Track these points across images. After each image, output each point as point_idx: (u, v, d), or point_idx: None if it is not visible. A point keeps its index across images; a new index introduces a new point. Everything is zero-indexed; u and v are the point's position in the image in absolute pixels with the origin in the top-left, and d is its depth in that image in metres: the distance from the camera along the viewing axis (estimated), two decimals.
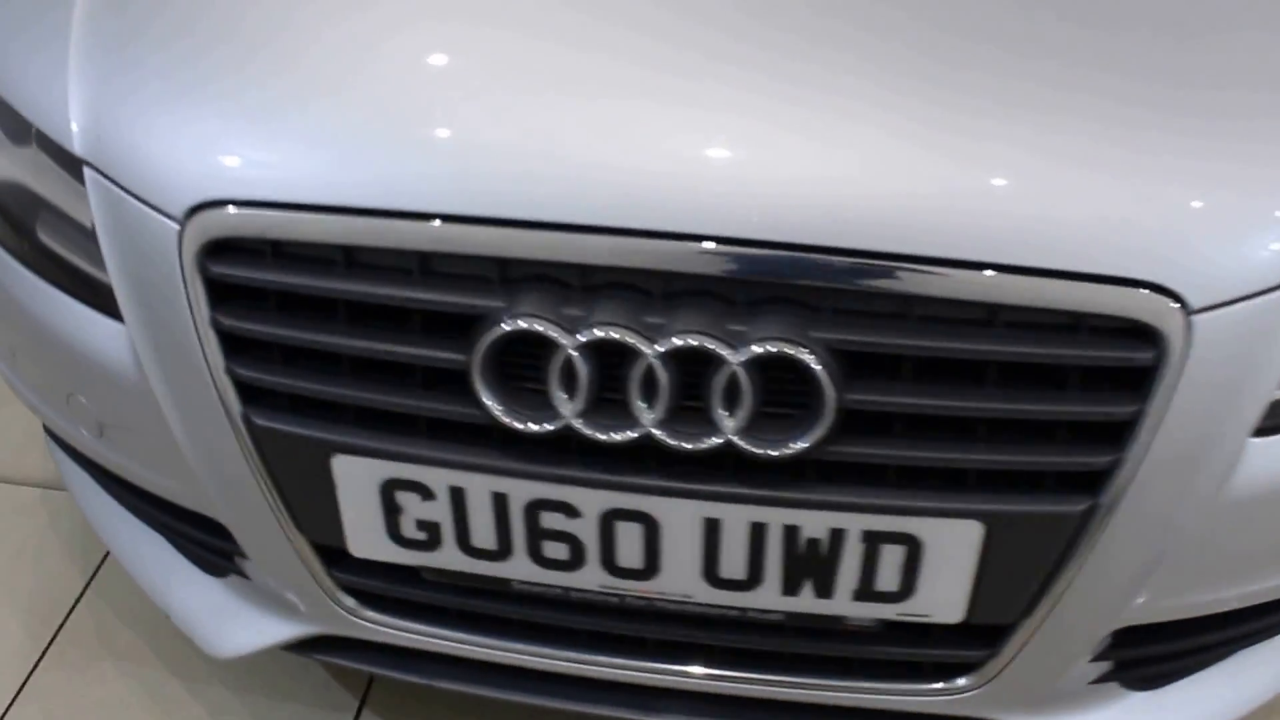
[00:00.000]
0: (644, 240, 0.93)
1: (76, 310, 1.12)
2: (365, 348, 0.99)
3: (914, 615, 1.04)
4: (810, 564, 1.02)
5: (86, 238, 1.11)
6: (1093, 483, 0.97)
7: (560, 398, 0.95)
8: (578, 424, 0.96)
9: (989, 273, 0.91)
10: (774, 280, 0.92)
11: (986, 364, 0.94)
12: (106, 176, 1.04)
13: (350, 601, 1.16)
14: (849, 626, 1.08)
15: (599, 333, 0.93)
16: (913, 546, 1.00)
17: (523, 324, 0.93)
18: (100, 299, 1.10)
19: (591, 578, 1.06)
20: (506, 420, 0.97)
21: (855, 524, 0.99)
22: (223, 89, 1.02)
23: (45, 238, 1.15)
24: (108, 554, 1.65)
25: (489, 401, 0.96)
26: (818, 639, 1.09)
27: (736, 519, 1.00)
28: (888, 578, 1.02)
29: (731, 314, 0.93)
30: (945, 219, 0.91)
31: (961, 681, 1.11)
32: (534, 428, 0.97)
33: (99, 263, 1.09)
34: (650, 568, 1.04)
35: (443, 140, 0.97)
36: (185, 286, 1.01)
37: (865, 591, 1.03)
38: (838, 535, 0.99)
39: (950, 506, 0.97)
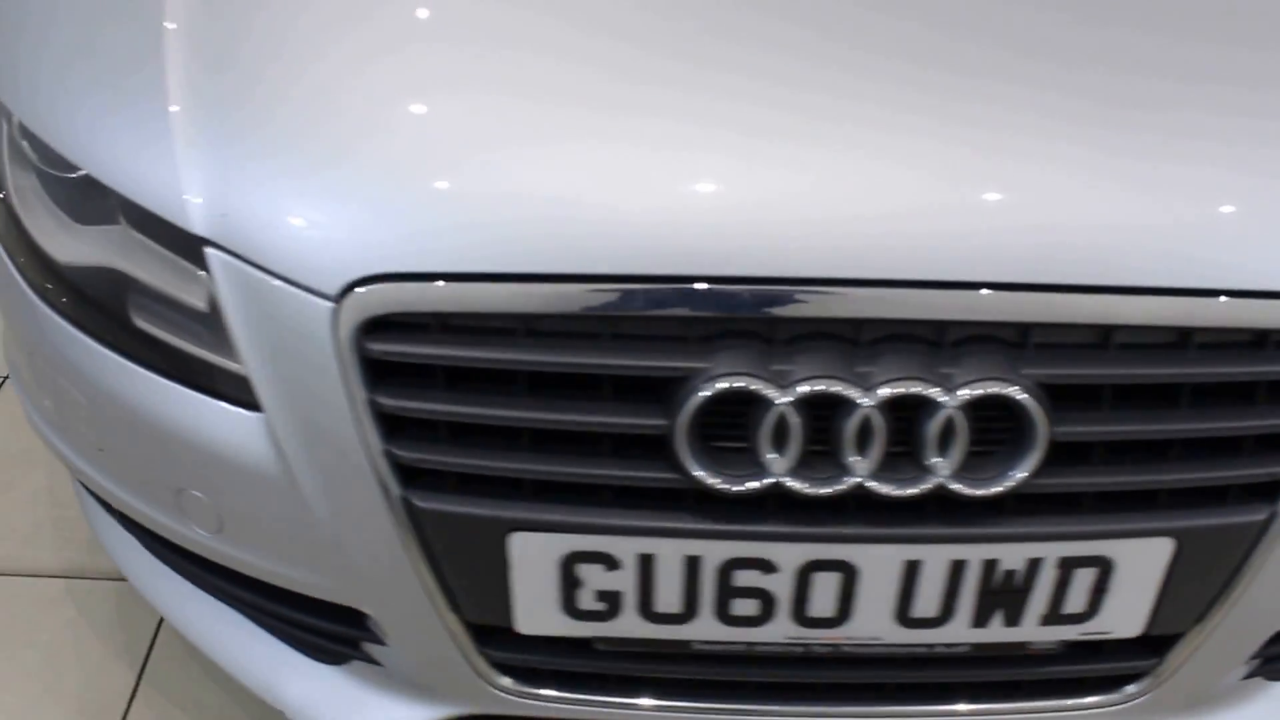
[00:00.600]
0: (850, 289, 0.91)
1: (192, 399, 1.04)
2: (554, 420, 0.94)
3: (1096, 634, 1.05)
4: (1003, 595, 1.01)
5: (198, 321, 1.03)
6: (1273, 491, 0.99)
7: (769, 456, 0.93)
8: (788, 481, 0.93)
9: (1182, 298, 0.92)
10: (983, 320, 0.92)
11: (1179, 386, 0.95)
12: (238, 256, 0.96)
13: (505, 680, 1.11)
14: (1031, 651, 1.08)
15: (812, 386, 0.90)
16: (1104, 568, 1.00)
17: (734, 383, 0.90)
18: (223, 386, 1.03)
19: (779, 630, 1.03)
20: (712, 483, 0.93)
21: (1053, 552, 0.99)
22: (374, 157, 0.95)
23: (143, 322, 1.06)
24: (155, 642, 1.54)
25: (693, 466, 0.93)
26: (998, 666, 1.09)
27: (937, 559, 0.98)
28: (1076, 600, 1.02)
29: (938, 357, 0.92)
30: (1144, 248, 0.92)
31: (1129, 690, 1.12)
32: (741, 488, 0.94)
33: (218, 347, 1.01)
34: (842, 615, 1.02)
35: (633, 201, 0.92)
36: (340, 368, 0.94)
37: (1053, 616, 1.03)
38: (1034, 565, 0.99)
39: (1144, 526, 0.98)
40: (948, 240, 0.91)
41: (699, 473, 0.93)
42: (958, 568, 0.99)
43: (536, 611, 1.03)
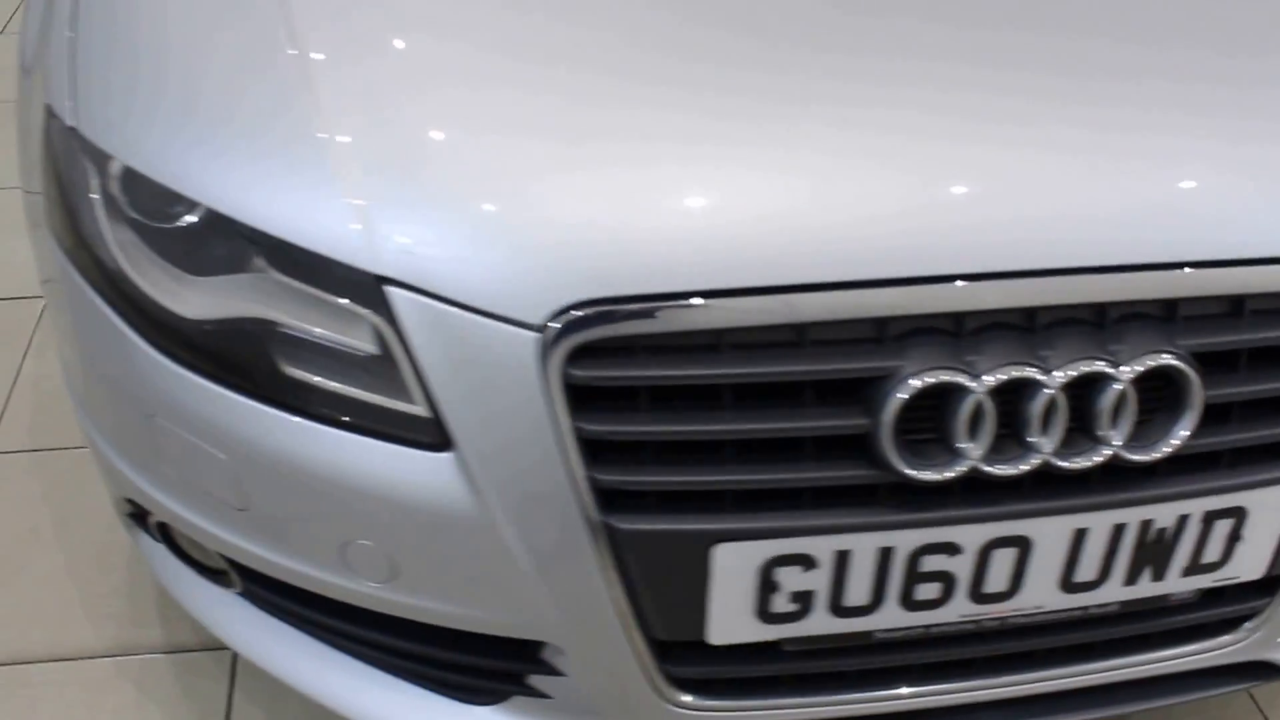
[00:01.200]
0: (1027, 280, 0.97)
1: (364, 445, 1.02)
2: (759, 429, 0.97)
3: (1226, 579, 1.15)
4: (1154, 552, 1.09)
5: (362, 364, 1.01)
6: None
7: (965, 444, 0.98)
8: (983, 466, 0.99)
9: None
10: (1140, 299, 0.99)
11: None
12: (427, 293, 0.96)
13: (686, 697, 1.12)
14: (1171, 602, 1.16)
15: (1003, 374, 0.96)
16: (1239, 518, 1.09)
17: (934, 378, 0.95)
18: (397, 428, 1.01)
19: (955, 610, 1.09)
20: (915, 475, 0.98)
21: (1199, 507, 1.07)
22: (575, 188, 0.96)
23: (297, 371, 1.03)
24: (230, 713, 1.47)
25: (897, 460, 0.97)
26: (1140, 620, 1.17)
27: (1102, 525, 1.06)
28: (1213, 550, 1.11)
29: (1104, 335, 1.00)
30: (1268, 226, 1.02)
31: (1243, 629, 1.22)
32: (942, 477, 0.98)
33: (392, 389, 1.00)
34: (1014, 588, 1.08)
35: (822, 215, 0.97)
36: (545, 397, 0.95)
37: (1193, 567, 1.12)
38: (1183, 521, 1.08)
39: (1274, 476, 1.08)
40: (1108, 229, 0.99)
41: (903, 466, 0.98)
42: (1118, 531, 1.06)
43: (730, 621, 1.05)
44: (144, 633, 1.56)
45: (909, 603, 1.07)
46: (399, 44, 1.09)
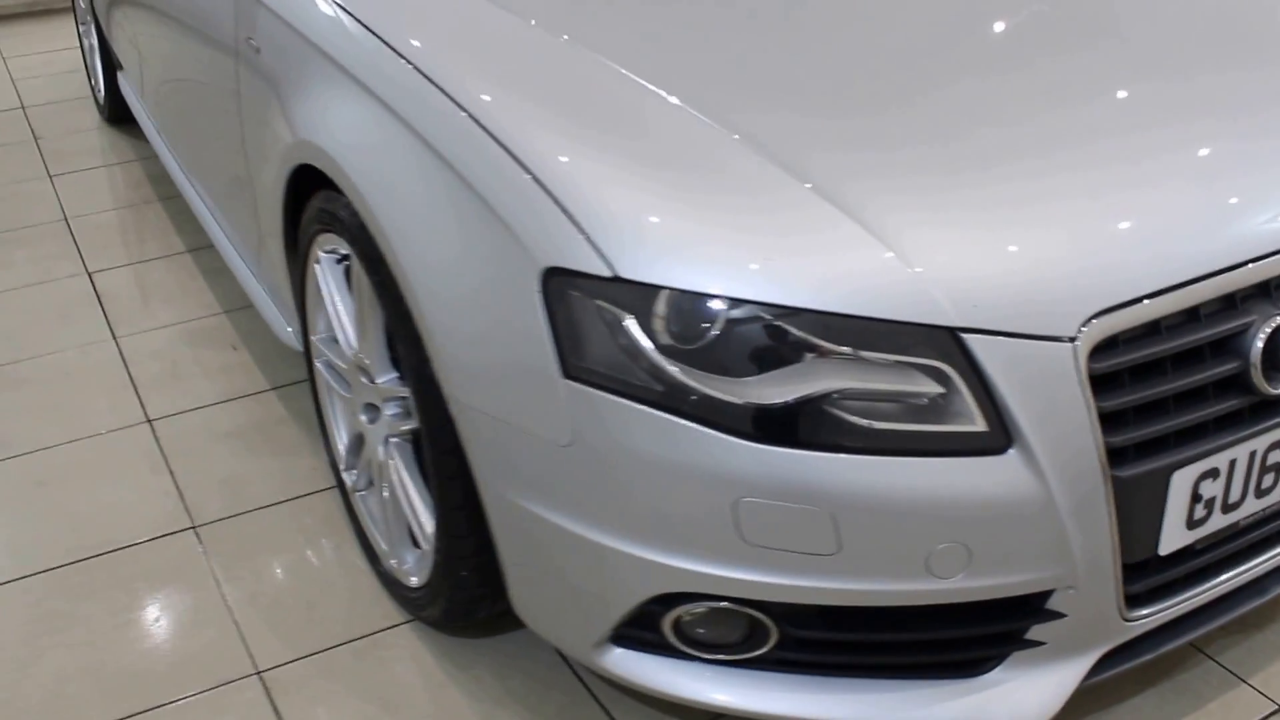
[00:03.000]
0: None
1: (939, 465, 1.35)
2: (1196, 380, 1.43)
3: None
4: None
5: (923, 403, 1.35)
6: None
7: None
8: None
9: None
10: None
11: None
12: (997, 333, 1.34)
13: (1135, 610, 1.50)
14: None
15: None
16: None
17: (1271, 325, 1.46)
18: (961, 445, 1.36)
19: None
20: (1276, 392, 1.46)
21: None
22: (1070, 243, 1.41)
23: (882, 423, 1.35)
24: None
25: (1264, 386, 1.47)
26: None
27: None
28: None
29: None
30: None
31: None
32: None
33: (949, 418, 1.35)
34: None
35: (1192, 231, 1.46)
36: (1081, 389, 1.35)
37: None
38: None
39: None
40: None
41: (1269, 389, 1.46)
42: None
43: (1172, 534, 1.48)
44: None
45: (1259, 491, 1.54)
46: (877, 165, 1.48)
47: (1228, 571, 1.61)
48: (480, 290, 1.48)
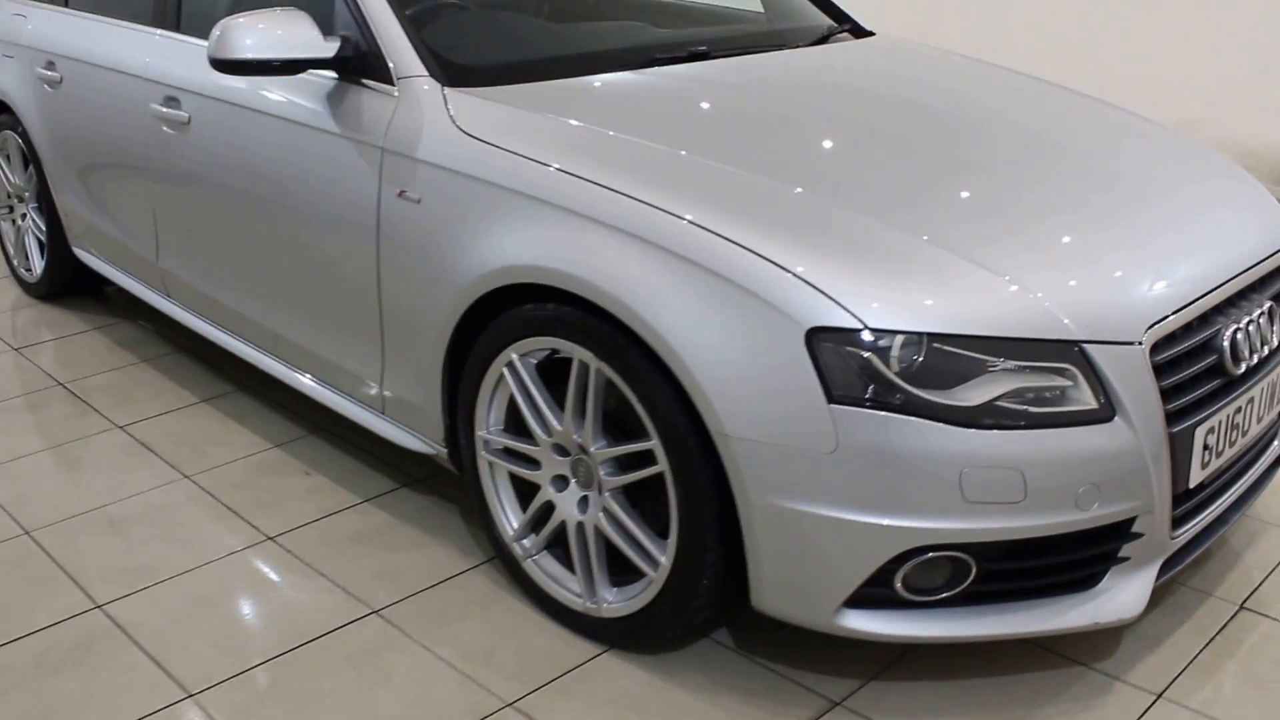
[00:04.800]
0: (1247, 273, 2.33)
1: (1080, 433, 2.03)
2: (1208, 362, 2.19)
3: None
4: None
5: (1060, 393, 2.02)
6: None
7: (1259, 349, 2.28)
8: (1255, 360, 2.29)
9: None
10: None
11: None
12: (1107, 343, 2.04)
13: (1177, 530, 2.21)
14: None
15: (1259, 309, 2.29)
16: None
17: (1236, 324, 2.25)
18: (1087, 419, 2.03)
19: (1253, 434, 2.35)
20: (1238, 371, 2.25)
21: None
22: (1126, 274, 2.12)
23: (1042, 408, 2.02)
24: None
25: (1232, 367, 2.24)
26: None
27: None
28: None
29: None
30: None
31: None
32: (1248, 367, 2.27)
33: (1079, 400, 2.03)
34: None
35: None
36: (1148, 370, 2.08)
37: None
38: None
39: None
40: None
41: (1235, 369, 2.25)
42: None
43: (1195, 472, 2.21)
44: None
45: (1231, 442, 2.32)
46: (986, 234, 2.17)
47: (1220, 498, 2.38)
48: (748, 352, 2.04)
